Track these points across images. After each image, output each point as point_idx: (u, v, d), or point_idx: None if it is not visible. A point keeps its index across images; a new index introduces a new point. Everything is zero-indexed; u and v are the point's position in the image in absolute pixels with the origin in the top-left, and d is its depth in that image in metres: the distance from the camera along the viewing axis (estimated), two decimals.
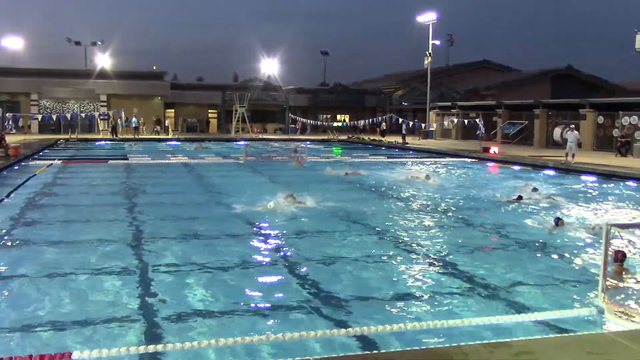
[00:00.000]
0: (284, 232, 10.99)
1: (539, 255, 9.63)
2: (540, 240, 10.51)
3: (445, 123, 44.80)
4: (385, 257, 9.18)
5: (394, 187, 17.55)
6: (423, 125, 42.15)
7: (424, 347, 4.77)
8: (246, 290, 7.47)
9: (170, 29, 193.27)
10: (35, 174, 19.28)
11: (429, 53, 43.89)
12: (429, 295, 7.37)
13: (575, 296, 7.30)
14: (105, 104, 46.39)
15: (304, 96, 55.24)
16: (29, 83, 44.85)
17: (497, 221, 12.49)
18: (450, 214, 13.41)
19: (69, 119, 39.66)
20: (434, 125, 44.61)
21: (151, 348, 4.74)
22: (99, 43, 57.06)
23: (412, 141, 39.71)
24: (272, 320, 6.46)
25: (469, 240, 10.56)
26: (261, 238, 10.54)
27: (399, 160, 28.04)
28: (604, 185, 18.66)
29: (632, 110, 30.65)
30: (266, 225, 11.57)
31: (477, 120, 36.74)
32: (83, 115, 44.38)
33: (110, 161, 25.26)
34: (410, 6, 70.31)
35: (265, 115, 53.83)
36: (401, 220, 12.39)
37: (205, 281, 7.76)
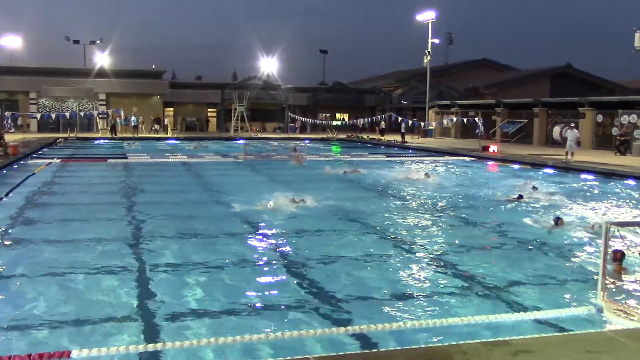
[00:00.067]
0: (283, 231, 10.98)
1: (538, 254, 9.63)
2: (540, 239, 10.50)
3: (445, 122, 44.77)
4: (384, 256, 9.18)
5: (393, 186, 17.55)
6: (422, 124, 42.15)
7: (424, 346, 4.78)
8: (245, 289, 7.46)
9: (169, 28, 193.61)
10: (34, 173, 19.27)
11: (428, 52, 43.92)
12: (428, 294, 7.38)
13: (574, 295, 7.30)
14: (104, 102, 46.34)
15: (303, 95, 55.25)
16: (28, 82, 44.83)
17: (496, 220, 12.47)
18: (449, 212, 13.40)
19: (68, 117, 39.68)
20: (433, 124, 44.62)
21: (150, 347, 4.75)
22: (98, 42, 57.15)
23: (412, 140, 39.74)
24: (271, 319, 6.44)
25: (468, 239, 10.56)
26: (260, 237, 10.53)
27: (398, 159, 28.02)
28: (603, 184, 18.67)
29: (631, 108, 30.68)
30: (265, 224, 11.56)
31: (477, 119, 36.72)
32: (82, 114, 44.40)
33: (109, 160, 25.23)
34: (410, 5, 70.33)
35: (264, 114, 53.81)
36: (400, 219, 12.38)
37: (204, 280, 7.74)
